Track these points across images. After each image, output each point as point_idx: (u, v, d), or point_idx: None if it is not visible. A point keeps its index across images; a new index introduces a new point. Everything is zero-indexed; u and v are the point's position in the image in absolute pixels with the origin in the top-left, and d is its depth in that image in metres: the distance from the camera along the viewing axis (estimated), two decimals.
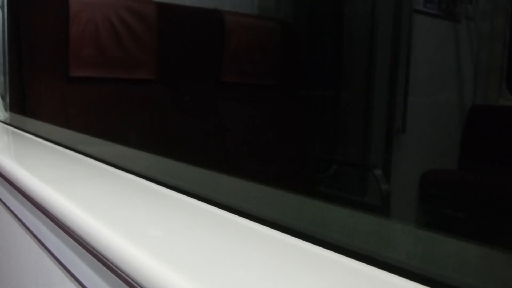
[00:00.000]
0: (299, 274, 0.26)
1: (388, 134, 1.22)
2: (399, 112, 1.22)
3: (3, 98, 1.12)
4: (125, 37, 1.04)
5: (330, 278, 0.26)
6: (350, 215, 0.36)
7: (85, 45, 0.99)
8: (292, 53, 1.27)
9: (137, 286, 0.29)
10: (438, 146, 1.19)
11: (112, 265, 0.32)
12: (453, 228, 0.28)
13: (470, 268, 0.27)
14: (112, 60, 1.03)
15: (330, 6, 1.34)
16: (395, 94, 1.22)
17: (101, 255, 0.33)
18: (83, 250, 0.37)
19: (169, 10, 1.13)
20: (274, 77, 1.24)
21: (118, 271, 0.31)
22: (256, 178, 0.41)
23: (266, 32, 1.24)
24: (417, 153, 1.22)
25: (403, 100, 1.22)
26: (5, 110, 1.10)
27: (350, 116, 1.29)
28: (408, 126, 1.21)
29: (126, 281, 0.30)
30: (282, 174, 1.11)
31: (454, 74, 1.27)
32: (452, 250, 0.28)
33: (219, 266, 0.27)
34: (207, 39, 1.16)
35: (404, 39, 1.23)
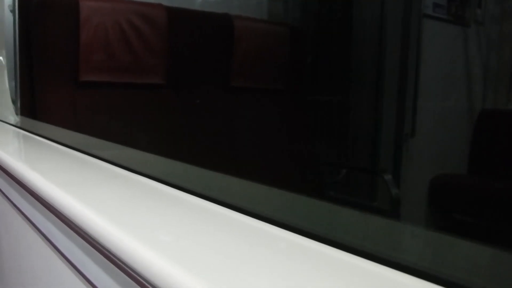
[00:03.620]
0: (311, 274, 0.26)
1: (397, 138, 1.21)
2: (408, 117, 1.22)
3: (14, 103, 1.13)
4: (135, 42, 1.05)
5: (343, 278, 0.26)
6: (361, 217, 0.36)
7: (95, 50, 1.00)
8: (301, 58, 1.28)
9: (149, 286, 0.29)
10: (448, 150, 1.18)
11: (124, 266, 0.32)
12: (464, 232, 0.28)
13: (481, 269, 0.27)
14: (122, 65, 1.04)
15: (338, 10, 1.35)
16: (404, 98, 1.22)
17: (114, 256, 0.33)
18: (95, 251, 0.37)
19: (179, 15, 1.14)
20: (283, 81, 1.24)
21: (131, 272, 0.31)
22: (265, 182, 0.41)
23: (275, 36, 1.25)
24: (427, 158, 1.21)
25: (412, 105, 1.22)
26: (16, 114, 1.11)
27: (359, 121, 1.29)
28: (417, 130, 1.20)
29: (138, 282, 0.30)
30: (291, 179, 1.10)
31: (463, 78, 1.26)
32: (463, 252, 0.28)
33: (231, 267, 0.27)
34: (217, 44, 1.16)
35: (413, 43, 1.23)
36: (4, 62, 1.21)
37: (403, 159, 1.21)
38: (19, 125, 1.04)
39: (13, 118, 1.11)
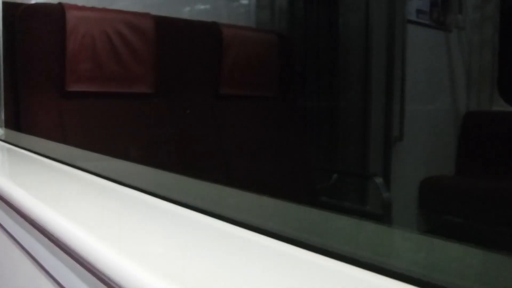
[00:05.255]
0: (303, 284, 0.26)
1: (387, 142, 1.23)
2: (396, 121, 1.23)
3: None
4: (123, 51, 1.04)
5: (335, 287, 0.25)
6: (352, 224, 0.36)
7: (82, 59, 0.99)
8: (289, 65, 1.28)
9: None
10: (435, 152, 1.20)
11: (113, 284, 0.31)
12: (454, 232, 0.28)
13: (472, 273, 0.27)
14: (109, 75, 1.03)
15: (325, 18, 1.36)
16: (391, 103, 1.23)
17: (102, 274, 0.32)
18: (82, 269, 0.36)
19: (167, 24, 1.13)
20: (272, 89, 1.25)
21: None
22: (257, 190, 0.41)
23: (263, 44, 1.25)
24: (416, 160, 1.22)
25: (400, 109, 1.23)
26: (0, 126, 1.09)
27: (348, 126, 1.30)
28: (405, 134, 1.22)
29: None
30: (282, 185, 1.10)
31: (448, 82, 1.29)
32: (454, 255, 0.28)
33: (222, 279, 0.27)
34: (205, 52, 1.16)
35: (399, 49, 1.25)
36: None
37: (393, 162, 1.22)
38: (3, 138, 1.02)
39: None
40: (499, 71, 1.26)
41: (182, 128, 1.10)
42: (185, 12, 1.35)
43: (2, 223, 0.58)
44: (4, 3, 1.05)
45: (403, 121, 1.25)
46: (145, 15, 1.09)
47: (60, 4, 0.99)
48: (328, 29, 1.35)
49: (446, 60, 1.34)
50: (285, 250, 0.31)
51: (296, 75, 1.31)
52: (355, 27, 1.29)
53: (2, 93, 1.06)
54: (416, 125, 1.27)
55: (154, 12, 1.11)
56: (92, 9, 1.03)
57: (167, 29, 1.12)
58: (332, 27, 1.34)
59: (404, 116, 1.25)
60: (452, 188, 1.07)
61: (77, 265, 0.37)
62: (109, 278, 0.31)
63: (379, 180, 1.05)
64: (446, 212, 1.06)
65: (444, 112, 1.30)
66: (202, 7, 1.38)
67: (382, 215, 1.04)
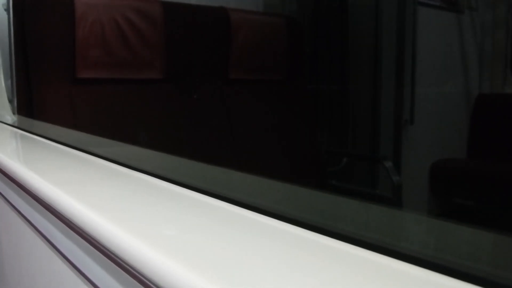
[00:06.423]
0: (314, 267, 0.26)
1: (397, 126, 1.22)
2: (407, 104, 1.22)
3: (11, 102, 1.13)
4: (132, 37, 1.04)
5: (345, 269, 0.26)
6: (362, 207, 0.36)
7: (92, 46, 0.99)
8: (298, 48, 1.27)
9: (152, 285, 0.29)
10: (447, 135, 1.18)
11: (126, 266, 0.32)
12: (465, 216, 0.28)
13: (483, 255, 0.27)
14: (118, 61, 1.03)
15: (334, 0, 1.34)
16: (402, 86, 1.22)
17: (115, 255, 0.33)
18: (96, 251, 0.37)
19: (175, 9, 1.13)
20: (281, 72, 1.24)
21: (132, 271, 0.31)
22: (267, 174, 0.41)
23: (272, 28, 1.24)
24: (426, 144, 1.21)
25: (410, 92, 1.22)
26: (13, 113, 1.10)
27: (358, 110, 1.29)
28: (416, 117, 1.20)
29: (140, 281, 0.30)
30: (292, 170, 1.10)
31: (459, 64, 1.26)
32: (465, 238, 0.28)
33: (234, 262, 0.27)
34: (214, 37, 1.16)
35: (409, 31, 1.22)
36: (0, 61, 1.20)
37: (403, 146, 1.21)
38: (16, 124, 1.04)
39: (10, 117, 1.11)
40: None
41: (192, 113, 1.10)
42: None
43: (17, 207, 0.59)
44: None
45: (414, 104, 1.23)
46: (153, 1, 1.09)
47: None
48: (337, 12, 1.33)
49: (458, 42, 1.30)
50: (295, 232, 0.31)
51: (305, 58, 1.30)
52: (365, 9, 1.27)
53: (14, 80, 1.07)
54: (427, 108, 1.25)
55: None
56: None
57: (175, 14, 1.12)
58: (341, 10, 1.31)
59: (415, 99, 1.23)
60: (464, 171, 1.05)
61: (91, 248, 0.37)
62: (122, 260, 0.32)
63: (389, 163, 1.05)
64: (457, 195, 1.05)
65: (455, 95, 1.28)
66: None
67: (392, 199, 1.04)
